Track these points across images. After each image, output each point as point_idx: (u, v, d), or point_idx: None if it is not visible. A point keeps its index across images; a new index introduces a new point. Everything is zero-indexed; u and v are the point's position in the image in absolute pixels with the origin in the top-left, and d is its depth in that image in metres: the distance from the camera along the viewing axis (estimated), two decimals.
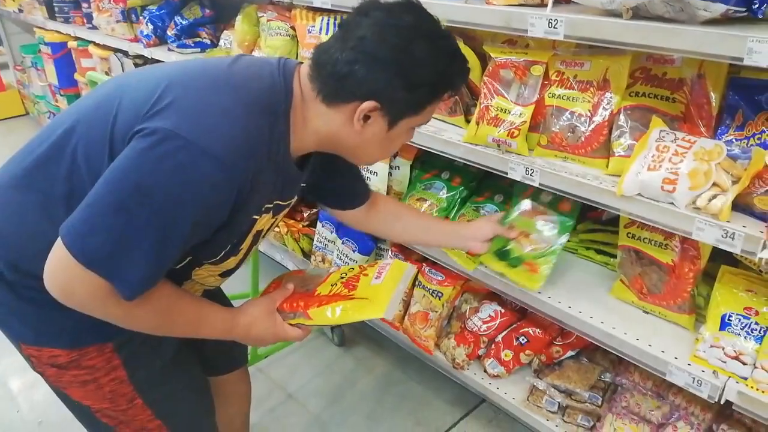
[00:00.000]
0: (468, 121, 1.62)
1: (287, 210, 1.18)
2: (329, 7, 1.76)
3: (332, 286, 1.17)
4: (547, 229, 1.47)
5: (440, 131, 1.62)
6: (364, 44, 0.91)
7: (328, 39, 0.97)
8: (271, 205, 1.07)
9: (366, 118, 0.97)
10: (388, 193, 1.91)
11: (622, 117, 1.31)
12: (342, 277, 1.19)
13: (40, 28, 4.23)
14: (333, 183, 1.30)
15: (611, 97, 1.32)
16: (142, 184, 0.84)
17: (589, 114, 1.34)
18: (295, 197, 1.18)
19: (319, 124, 1.00)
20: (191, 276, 1.09)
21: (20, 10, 4.56)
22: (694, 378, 1.22)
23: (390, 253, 2.03)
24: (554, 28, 1.22)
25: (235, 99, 0.92)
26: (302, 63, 1.04)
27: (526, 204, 1.54)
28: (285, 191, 1.09)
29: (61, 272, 0.87)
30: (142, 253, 0.86)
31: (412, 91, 0.95)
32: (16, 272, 0.99)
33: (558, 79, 1.38)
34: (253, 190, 0.94)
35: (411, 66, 0.93)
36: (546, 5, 1.29)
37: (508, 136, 1.41)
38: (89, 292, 0.88)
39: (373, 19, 0.92)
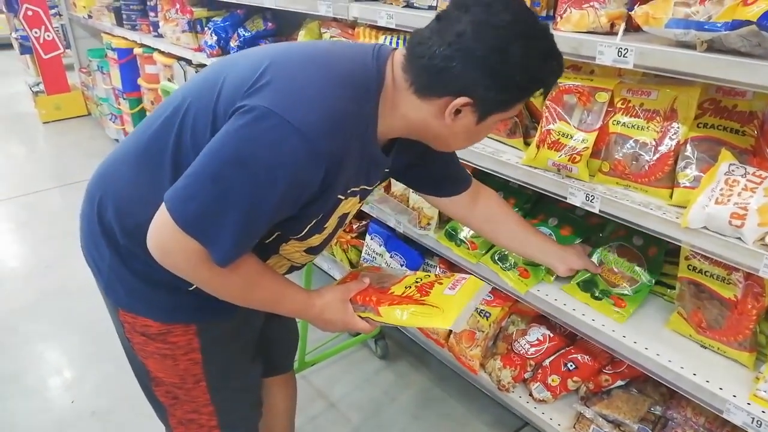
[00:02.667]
0: (527, 144, 1.63)
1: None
2: (393, 26, 1.80)
3: (406, 288, 1.19)
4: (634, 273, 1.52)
5: (498, 152, 1.64)
6: (462, 41, 0.91)
7: (424, 29, 0.98)
8: (358, 189, 1.10)
9: (457, 112, 0.98)
10: (440, 212, 1.92)
11: (688, 148, 1.29)
12: (417, 282, 1.21)
13: (108, 33, 4.44)
14: (431, 168, 1.33)
15: (678, 128, 1.31)
16: (238, 157, 0.90)
17: (654, 143, 1.33)
18: (379, 182, 1.23)
19: (408, 111, 1.02)
20: (279, 251, 1.15)
21: (89, 16, 4.79)
22: (753, 418, 1.19)
23: (438, 269, 2.04)
24: (624, 56, 1.23)
25: (328, 77, 0.96)
26: (397, 49, 1.06)
27: (616, 245, 1.60)
28: (371, 175, 1.12)
29: (162, 234, 0.95)
30: (234, 221, 0.91)
31: (504, 91, 0.96)
32: (128, 239, 1.08)
33: (623, 106, 1.38)
34: (341, 169, 0.98)
35: (506, 67, 0.93)
36: (616, 33, 1.30)
37: (569, 161, 1.42)
38: (185, 255, 0.95)
39: (472, 16, 0.92)
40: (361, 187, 1.11)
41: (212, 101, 0.99)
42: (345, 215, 1.15)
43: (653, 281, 1.51)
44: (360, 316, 1.17)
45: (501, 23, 0.92)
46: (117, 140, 4.77)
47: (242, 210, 0.91)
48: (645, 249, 1.55)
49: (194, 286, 1.06)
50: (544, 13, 1.55)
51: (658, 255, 1.53)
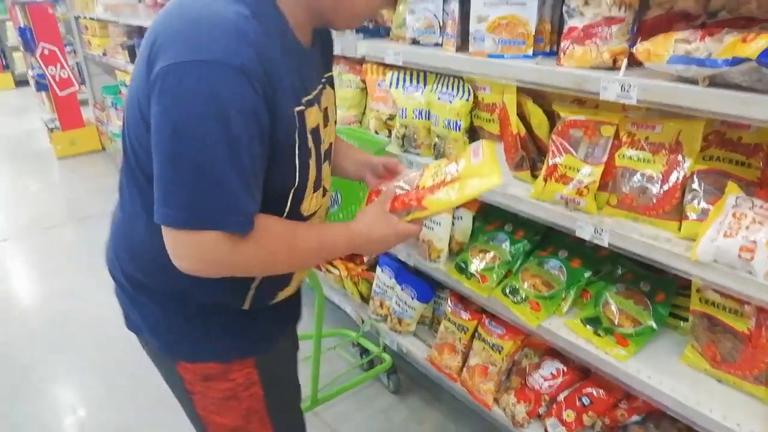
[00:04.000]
0: (534, 177, 1.63)
1: (333, 107, 1.20)
2: (400, 63, 1.84)
3: (433, 177, 1.16)
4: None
5: (506, 186, 1.64)
6: None
7: None
8: (310, 96, 1.05)
9: None
10: (450, 243, 1.93)
11: (695, 180, 1.30)
12: (438, 168, 1.18)
13: (122, 71, 4.55)
14: None
15: (684, 160, 1.32)
16: (177, 126, 0.85)
17: (660, 176, 1.34)
18: (328, 76, 1.19)
19: None
20: (302, 212, 1.11)
21: (104, 54, 4.92)
22: None
23: (449, 302, 2.04)
24: (627, 92, 1.24)
25: (206, 3, 0.91)
26: None
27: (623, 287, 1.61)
28: (313, 75, 1.09)
29: (177, 248, 0.91)
30: (222, 184, 0.87)
31: None
32: (156, 278, 1.09)
33: (629, 140, 1.39)
34: (276, 77, 0.91)
35: None
36: (618, 68, 1.32)
37: (576, 194, 1.42)
38: (212, 249, 0.90)
39: None
40: (311, 93, 1.05)
41: (135, 103, 0.96)
42: (318, 134, 1.08)
43: (656, 327, 1.49)
44: (406, 222, 1.14)
45: None
46: None
47: (220, 169, 0.86)
48: (652, 295, 1.54)
49: (246, 302, 1.09)
50: (547, 49, 1.58)
51: (665, 302, 1.52)
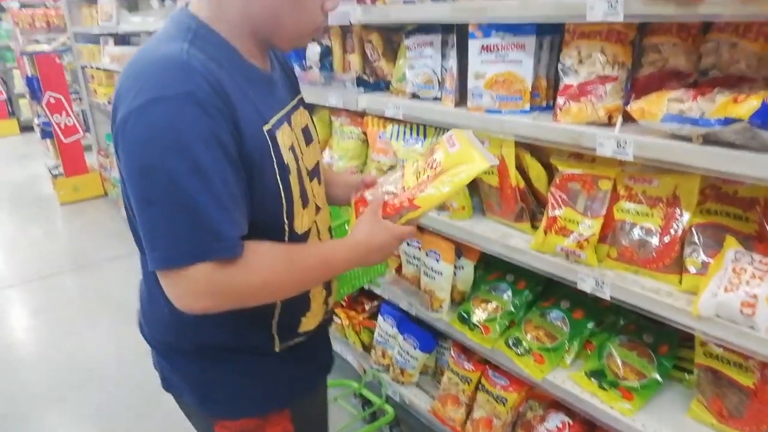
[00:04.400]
0: (534, 228, 1.65)
1: (311, 127, 1.23)
2: (400, 117, 1.88)
3: (417, 175, 1.18)
4: None
5: (506, 236, 1.66)
6: None
7: None
8: (278, 116, 1.07)
9: None
10: (452, 293, 1.93)
11: (694, 234, 1.31)
12: (418, 166, 1.20)
13: None
14: None
15: (682, 214, 1.33)
16: (141, 170, 0.87)
17: (659, 229, 1.35)
18: (297, 98, 1.22)
19: (230, 9, 1.00)
20: (296, 229, 1.11)
21: (109, 102, 5.01)
22: None
23: (452, 352, 2.02)
24: (623, 148, 1.27)
25: (152, 47, 0.96)
26: None
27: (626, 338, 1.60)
28: (277, 97, 1.11)
29: (176, 289, 0.91)
30: (197, 216, 0.87)
31: None
32: (185, 338, 1.11)
33: (626, 194, 1.41)
34: (233, 99, 0.93)
35: None
36: (614, 125, 1.35)
37: (577, 246, 1.44)
38: (206, 282, 0.89)
39: None
40: (277, 113, 1.07)
41: (116, 159, 0.99)
42: (295, 152, 1.10)
43: (661, 380, 1.48)
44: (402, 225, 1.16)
45: None
46: None
47: (193, 200, 0.86)
48: (656, 347, 1.54)
49: (274, 338, 1.12)
50: (544, 104, 1.62)
51: (668, 355, 1.51)
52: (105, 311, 3.50)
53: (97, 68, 5.09)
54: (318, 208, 1.20)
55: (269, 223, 1.05)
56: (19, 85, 8.93)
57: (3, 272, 4.27)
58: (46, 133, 5.83)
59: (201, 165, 0.86)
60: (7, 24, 8.95)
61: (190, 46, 0.93)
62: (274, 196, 1.03)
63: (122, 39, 4.65)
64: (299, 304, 1.18)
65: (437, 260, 1.90)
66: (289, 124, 1.11)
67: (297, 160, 1.10)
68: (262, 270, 0.96)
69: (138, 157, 0.87)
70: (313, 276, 1.09)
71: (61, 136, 5.57)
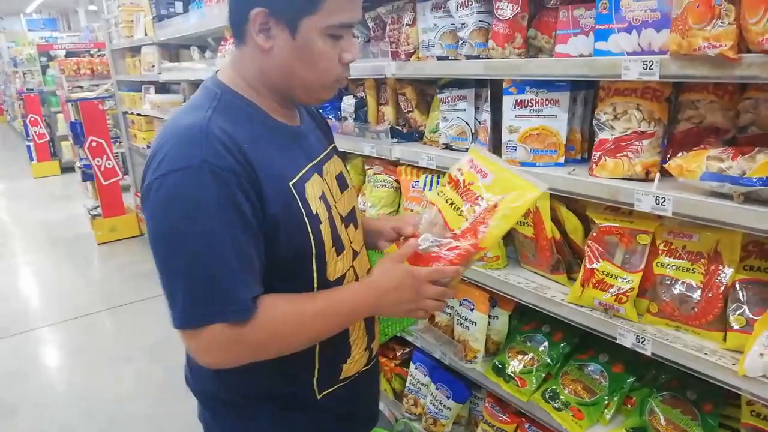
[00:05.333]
0: (570, 279, 1.64)
1: (346, 173, 1.25)
2: (433, 167, 1.91)
3: (459, 216, 1.13)
4: None
5: (543, 288, 1.65)
6: None
7: None
8: (307, 167, 1.10)
9: (265, 31, 0.99)
10: (487, 343, 1.92)
11: (737, 290, 1.29)
12: (452, 204, 1.16)
13: None
14: None
15: (724, 270, 1.32)
16: (158, 237, 0.94)
17: (701, 285, 1.34)
18: (330, 147, 1.25)
19: (249, 70, 1.06)
20: (328, 277, 1.12)
21: (148, 146, 5.19)
22: None
23: (486, 402, 1.99)
24: (662, 204, 1.27)
25: (180, 116, 1.01)
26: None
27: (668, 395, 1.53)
28: (307, 149, 1.14)
29: (195, 347, 0.97)
30: (210, 280, 0.92)
31: None
32: (228, 388, 1.14)
33: (666, 248, 1.40)
34: (255, 162, 0.97)
35: None
36: (651, 179, 1.35)
37: (615, 301, 1.42)
38: (220, 342, 0.95)
39: None
40: (307, 165, 1.11)
41: None
42: (327, 200, 1.12)
43: None
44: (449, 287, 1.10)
45: None
46: None
47: (207, 266, 0.92)
48: (699, 404, 1.49)
49: (315, 383, 1.13)
50: (578, 157, 1.64)
51: (713, 413, 1.46)
52: (138, 352, 3.54)
53: (138, 114, 5.29)
54: (355, 253, 1.22)
55: (297, 271, 1.07)
56: (62, 128, 9.31)
57: (40, 311, 4.38)
58: (87, 176, 6.04)
59: (214, 232, 0.92)
60: (53, 71, 9.42)
61: (214, 113, 0.99)
62: (303, 246, 1.06)
63: (162, 87, 4.84)
64: (339, 350, 1.18)
65: (471, 309, 1.90)
66: (320, 173, 1.14)
67: (329, 208, 1.12)
68: (272, 326, 1.00)
69: (157, 224, 0.94)
70: (324, 324, 1.07)
71: (101, 179, 5.76)
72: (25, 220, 7.10)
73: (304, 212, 1.05)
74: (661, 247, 1.41)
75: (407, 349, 2.45)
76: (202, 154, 0.92)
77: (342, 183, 1.23)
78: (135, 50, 5.07)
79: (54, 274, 5.17)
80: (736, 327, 1.26)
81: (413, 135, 2.18)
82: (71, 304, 4.42)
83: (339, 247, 1.14)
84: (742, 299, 1.28)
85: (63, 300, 4.54)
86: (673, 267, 1.38)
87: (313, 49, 1.01)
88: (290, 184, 1.04)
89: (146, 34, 4.50)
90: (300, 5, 0.97)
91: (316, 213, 1.08)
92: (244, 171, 0.95)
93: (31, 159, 9.82)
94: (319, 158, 1.17)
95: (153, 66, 4.53)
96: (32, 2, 20.27)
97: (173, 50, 4.57)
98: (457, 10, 1.72)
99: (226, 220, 0.93)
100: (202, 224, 0.91)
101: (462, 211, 1.13)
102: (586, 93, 1.62)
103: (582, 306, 1.51)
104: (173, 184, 0.92)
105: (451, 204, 1.17)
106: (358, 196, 2.45)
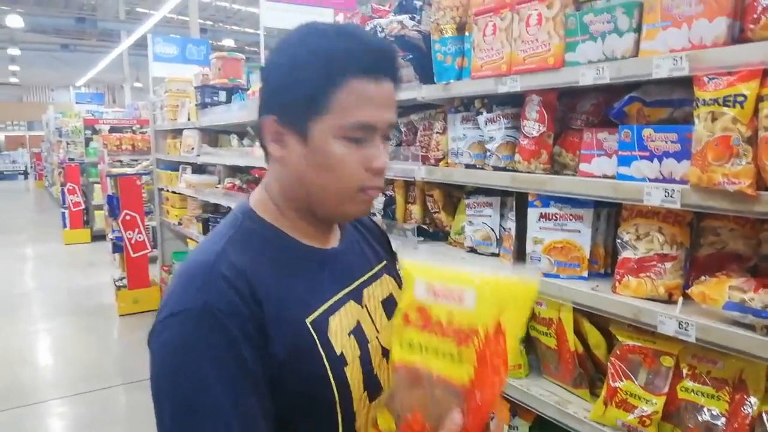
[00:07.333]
0: (593, 395, 1.62)
1: (397, 297, 1.04)
2: None
3: (465, 363, 0.78)
4: None
5: (564, 402, 1.63)
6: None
7: None
8: (338, 297, 0.98)
9: (279, 141, 0.94)
10: None
11: (765, 422, 1.26)
12: (449, 353, 0.80)
13: (193, 240, 4.90)
14: None
15: (749, 400, 1.29)
16: (155, 384, 0.87)
17: (727, 414, 1.31)
18: (380, 266, 1.12)
19: (274, 187, 1.00)
20: (358, 429, 0.97)
21: (179, 223, 5.35)
22: None
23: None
24: (685, 330, 1.28)
25: (198, 248, 0.95)
26: None
27: None
28: (336, 273, 1.01)
29: None
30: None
31: (287, 87, 0.91)
32: None
33: (690, 373, 1.39)
34: (267, 293, 0.89)
35: (275, 66, 0.94)
36: (675, 301, 1.37)
37: (639, 423, 1.40)
38: None
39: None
40: (340, 293, 0.99)
41: None
42: (359, 329, 0.98)
43: None
44: None
45: (283, 44, 0.94)
46: None
47: (201, 423, 0.82)
48: None
49: None
50: (602, 271, 1.66)
51: None
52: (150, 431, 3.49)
53: (173, 192, 5.50)
54: None
55: (321, 418, 0.93)
56: (98, 198, 9.70)
57: (55, 382, 4.38)
58: (117, 248, 6.21)
59: (208, 387, 0.83)
60: (96, 144, 9.92)
61: (228, 243, 0.92)
62: (322, 393, 0.91)
63: (199, 168, 5.06)
64: None
65: (492, 419, 1.87)
66: (359, 300, 1.01)
67: (364, 343, 0.99)
68: None
69: (154, 373, 0.88)
70: None
71: (131, 251, 5.92)
72: (49, 285, 7.26)
73: (323, 354, 0.91)
74: (685, 371, 1.40)
75: None
76: (203, 296, 0.85)
77: (389, 308, 1.05)
78: (176, 132, 5.35)
79: (72, 344, 5.22)
80: None
81: (438, 234, 2.24)
82: (87, 376, 4.42)
83: (373, 391, 0.97)
84: None
85: (79, 371, 4.54)
86: (698, 393, 1.36)
87: (327, 154, 0.90)
88: (307, 320, 0.92)
89: (189, 119, 4.76)
90: (306, 107, 0.89)
91: (341, 354, 0.93)
92: (247, 309, 0.86)
93: (64, 225, 10.15)
94: (359, 281, 1.04)
95: (192, 148, 4.76)
96: (83, 77, 21.74)
97: (212, 134, 4.82)
98: (486, 124, 1.82)
99: (222, 374, 0.84)
100: (196, 381, 0.83)
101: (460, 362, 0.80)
102: (609, 210, 1.67)
103: (605, 425, 1.49)
104: (170, 333, 0.86)
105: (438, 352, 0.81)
106: None
